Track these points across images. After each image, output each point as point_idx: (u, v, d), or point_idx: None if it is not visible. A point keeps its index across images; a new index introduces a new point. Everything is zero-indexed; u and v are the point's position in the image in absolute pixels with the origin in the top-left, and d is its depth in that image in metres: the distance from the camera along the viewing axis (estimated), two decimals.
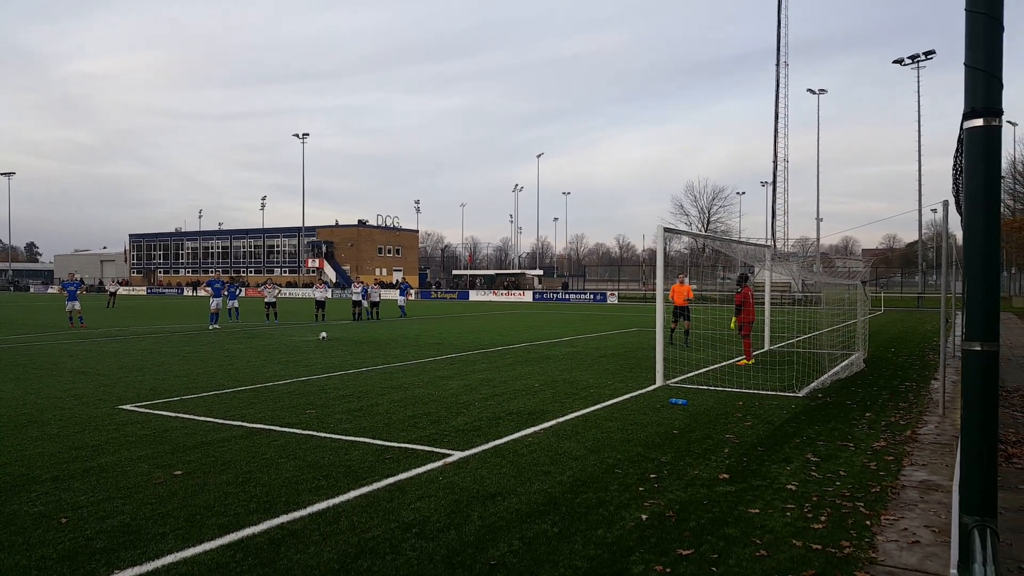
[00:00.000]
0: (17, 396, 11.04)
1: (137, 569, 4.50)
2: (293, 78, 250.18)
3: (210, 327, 26.32)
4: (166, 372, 13.97)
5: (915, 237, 79.69)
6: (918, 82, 72.18)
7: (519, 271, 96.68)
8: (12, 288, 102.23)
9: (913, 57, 68.15)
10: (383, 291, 40.49)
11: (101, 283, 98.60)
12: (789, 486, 6.32)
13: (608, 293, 63.63)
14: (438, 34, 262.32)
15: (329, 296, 34.81)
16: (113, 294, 48.58)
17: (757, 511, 5.65)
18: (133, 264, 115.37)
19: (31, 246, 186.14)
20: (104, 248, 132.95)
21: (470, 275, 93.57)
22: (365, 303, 33.10)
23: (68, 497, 5.94)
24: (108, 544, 4.91)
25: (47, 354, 17.32)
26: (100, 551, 4.79)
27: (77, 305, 27.54)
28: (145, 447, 7.72)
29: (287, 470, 6.80)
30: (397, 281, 73.39)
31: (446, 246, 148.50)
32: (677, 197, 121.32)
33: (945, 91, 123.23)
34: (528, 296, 67.61)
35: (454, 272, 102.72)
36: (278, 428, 8.71)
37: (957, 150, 6.44)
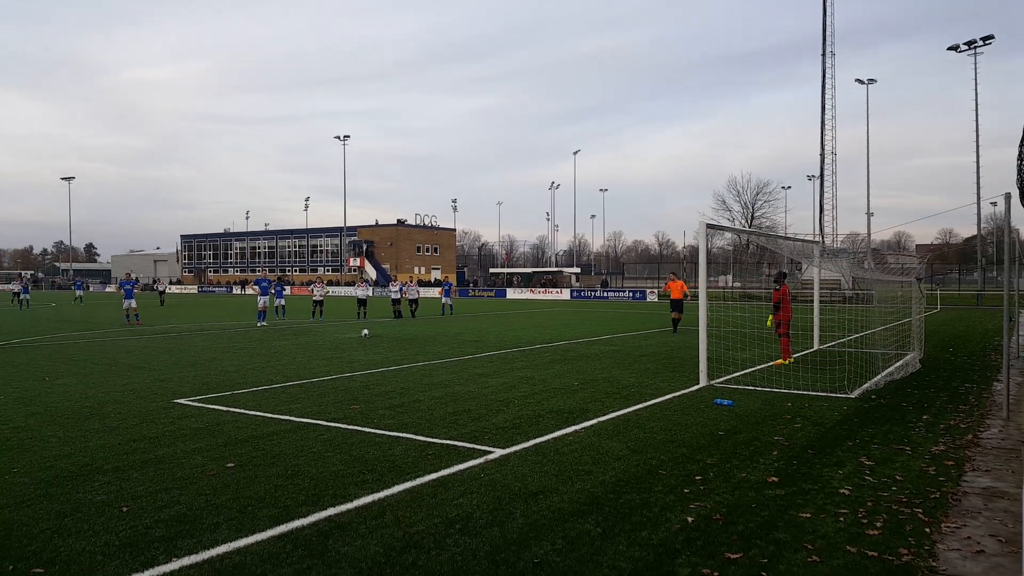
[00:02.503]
0: (80, 390, 11.42)
1: (194, 557, 4.62)
2: (332, 82, 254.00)
3: (258, 324, 26.84)
4: (217, 367, 14.29)
5: (973, 231, 77.13)
6: (975, 69, 69.44)
7: (556, 269, 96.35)
8: (73, 287, 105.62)
9: (970, 43, 65.65)
10: (421, 289, 40.78)
11: (154, 282, 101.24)
12: (842, 490, 6.17)
13: (647, 291, 62.95)
14: (471, 35, 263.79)
15: (370, 294, 35.18)
16: (162, 292, 50.19)
17: (808, 515, 5.53)
18: (184, 263, 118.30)
19: (90, 247, 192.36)
20: (157, 248, 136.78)
21: (507, 273, 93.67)
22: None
23: (128, 487, 6.14)
24: (166, 533, 5.05)
25: (106, 350, 17.88)
26: (159, 539, 4.93)
27: (133, 303, 28.39)
28: (199, 440, 7.92)
29: (334, 464, 6.91)
30: (440, 279, 73.80)
31: (483, 244, 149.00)
32: (719, 192, 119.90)
33: (1005, 78, 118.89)
34: (566, 294, 67.39)
35: (491, 270, 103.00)
36: (324, 423, 8.85)
37: (1023, 139, 6.23)
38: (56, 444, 7.73)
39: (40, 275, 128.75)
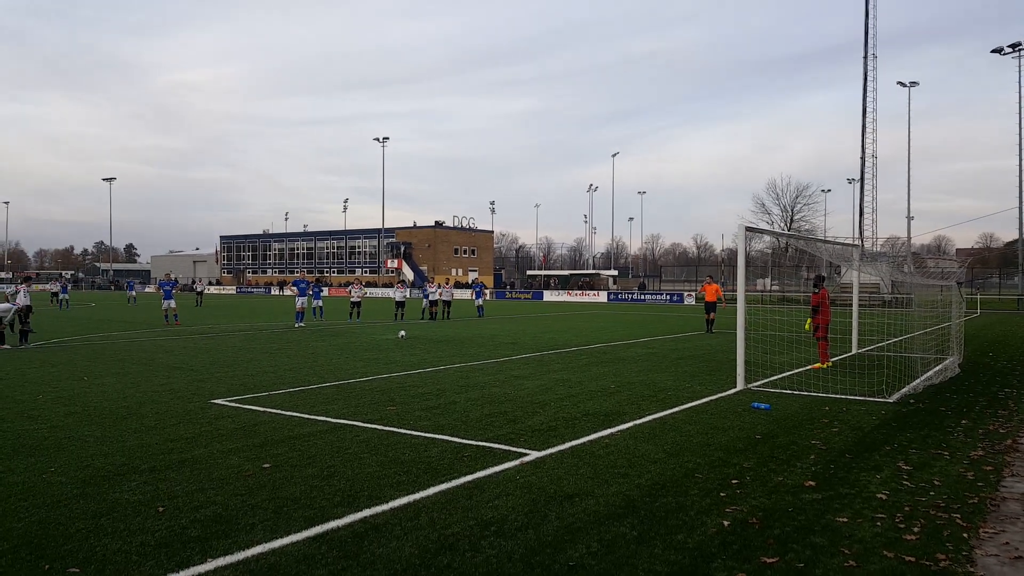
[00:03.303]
0: (118, 390, 11.67)
1: (229, 558, 4.68)
2: (372, 84, 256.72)
3: (296, 325, 27.19)
4: (255, 368, 14.51)
5: (1015, 236, 75.01)
6: (1019, 72, 67.96)
7: (593, 271, 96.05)
8: (113, 287, 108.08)
9: (1014, 45, 64.24)
10: (455, 291, 40.85)
11: (193, 282, 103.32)
12: (879, 495, 6.07)
13: (685, 294, 62.41)
14: (512, 38, 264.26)
15: (408, 296, 35.41)
16: (200, 293, 50.94)
17: (845, 520, 5.45)
18: (223, 264, 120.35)
19: (130, 247, 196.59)
20: (196, 249, 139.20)
21: (544, 275, 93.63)
22: (425, 302, 33.29)
23: (164, 487, 6.24)
24: (202, 533, 5.13)
25: (145, 350, 18.25)
26: (194, 539, 5.01)
27: (172, 303, 28.92)
28: (235, 440, 8.04)
29: (369, 465, 6.96)
30: (472, 281, 74.05)
31: (520, 246, 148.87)
32: (758, 195, 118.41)
33: None
34: (603, 296, 67.10)
35: (528, 272, 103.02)
36: (360, 424, 8.92)
37: None
38: (93, 443, 7.88)
39: (80, 275, 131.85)
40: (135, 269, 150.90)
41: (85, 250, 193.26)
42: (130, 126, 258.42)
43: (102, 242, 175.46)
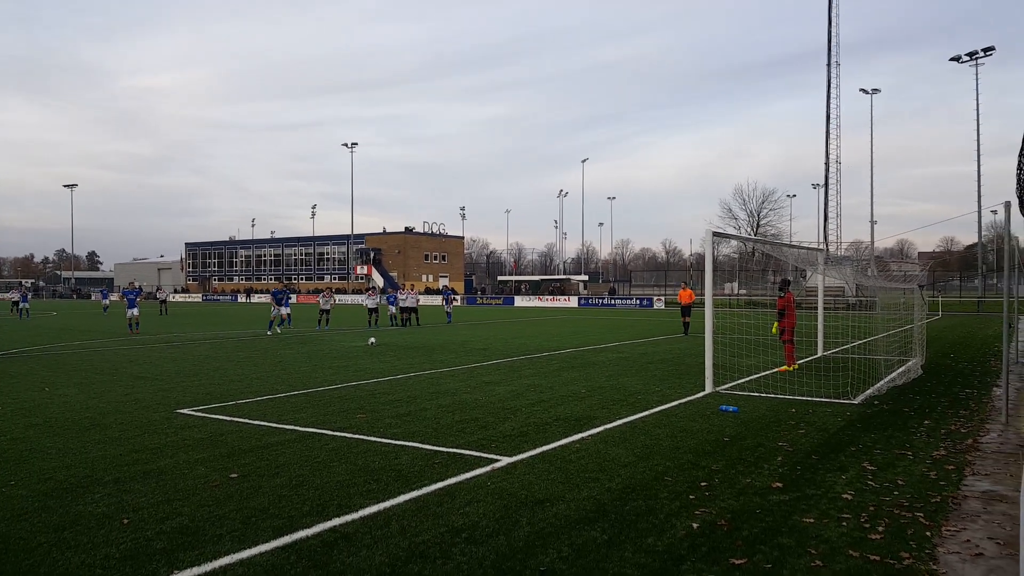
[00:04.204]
0: (81, 400, 11.43)
1: (196, 570, 4.62)
2: (342, 89, 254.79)
3: (267, 332, 27.13)
4: (222, 377, 14.31)
5: (974, 239, 77.11)
6: (976, 80, 70.00)
7: (564, 276, 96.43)
8: (75, 296, 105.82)
9: (971, 54, 66.07)
10: (421, 297, 40.60)
11: (157, 289, 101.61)
12: (845, 495, 6.18)
13: (655, 298, 62.93)
14: (484, 44, 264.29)
15: (380, 302, 35.18)
16: (163, 301, 50.02)
17: (812, 520, 5.53)
18: (189, 272, 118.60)
19: (92, 255, 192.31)
20: (161, 256, 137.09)
21: (515, 281, 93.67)
22: (393, 309, 32.97)
23: (129, 499, 6.13)
24: (168, 545, 5.04)
25: (108, 359, 17.90)
26: (160, 551, 4.92)
27: (136, 312, 28.43)
28: (202, 450, 7.92)
29: (339, 473, 6.90)
30: (443, 287, 73.89)
31: (491, 252, 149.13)
32: (725, 200, 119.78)
33: (1005, 88, 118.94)
34: (573, 301, 67.31)
35: (499, 278, 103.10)
36: (330, 432, 8.85)
37: (1022, 148, 6.25)
38: (55, 455, 7.71)
39: (41, 284, 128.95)
40: (98, 277, 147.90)
41: (46, 258, 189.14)
42: (92, 131, 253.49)
43: (63, 250, 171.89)
